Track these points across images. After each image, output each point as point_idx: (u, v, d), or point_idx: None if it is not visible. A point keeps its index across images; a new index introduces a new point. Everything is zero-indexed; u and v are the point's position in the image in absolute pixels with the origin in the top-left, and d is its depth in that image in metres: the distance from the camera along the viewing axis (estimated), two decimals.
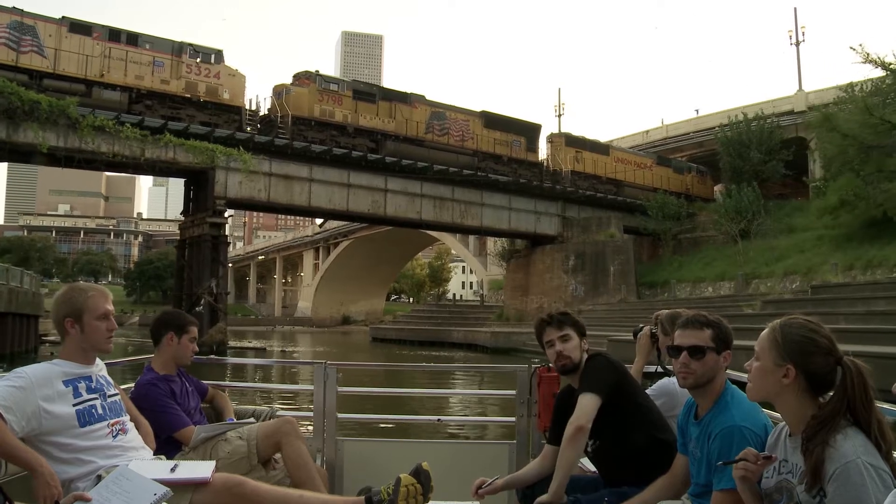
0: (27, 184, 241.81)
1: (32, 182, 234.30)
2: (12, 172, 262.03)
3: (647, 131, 62.21)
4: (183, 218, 33.68)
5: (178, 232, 34.65)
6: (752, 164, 45.66)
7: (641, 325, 3.84)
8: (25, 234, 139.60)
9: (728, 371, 2.56)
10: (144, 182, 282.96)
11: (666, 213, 45.16)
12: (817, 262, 31.38)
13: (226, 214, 31.68)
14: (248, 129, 32.34)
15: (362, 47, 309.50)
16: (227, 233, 32.25)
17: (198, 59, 30.62)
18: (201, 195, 31.28)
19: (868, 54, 27.81)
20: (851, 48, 28.06)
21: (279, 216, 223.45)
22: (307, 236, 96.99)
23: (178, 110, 30.00)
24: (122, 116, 27.95)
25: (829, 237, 33.59)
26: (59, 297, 2.81)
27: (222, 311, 31.13)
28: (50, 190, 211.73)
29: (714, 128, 52.93)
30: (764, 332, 2.08)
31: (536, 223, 44.14)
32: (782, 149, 46.04)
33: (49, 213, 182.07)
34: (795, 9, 52.71)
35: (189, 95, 30.30)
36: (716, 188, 53.00)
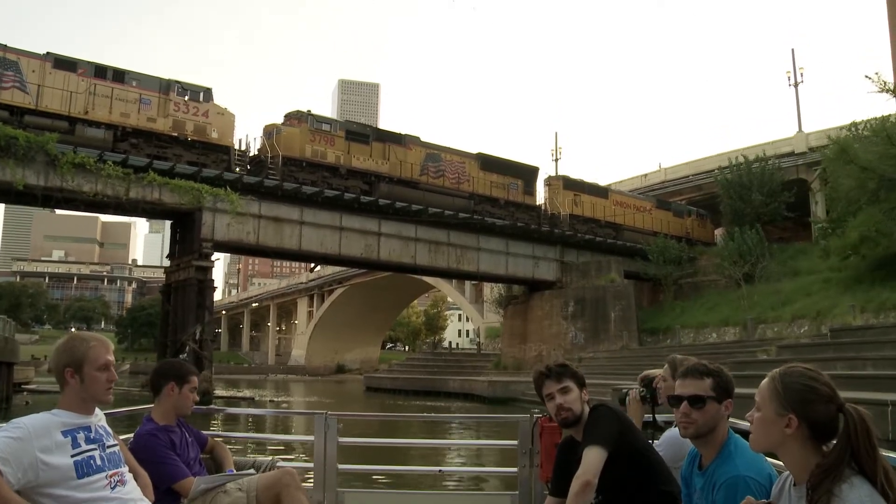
0: (22, 229, 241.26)
1: (27, 227, 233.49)
2: (8, 218, 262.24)
3: (646, 175, 61.55)
4: (169, 262, 32.47)
5: (164, 276, 33.45)
6: (753, 206, 44.80)
7: (626, 390, 3.77)
8: (18, 279, 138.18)
9: (731, 420, 2.60)
10: (140, 228, 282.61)
11: (667, 257, 44.17)
12: (826, 305, 30.30)
13: (213, 258, 30.49)
14: (238, 169, 31.33)
15: (359, 95, 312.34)
16: (214, 277, 30.96)
17: (186, 97, 29.75)
18: (188, 237, 30.16)
19: (885, 83, 27.03)
20: (867, 77, 27.31)
21: (274, 263, 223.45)
22: (301, 283, 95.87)
23: (164, 149, 29.06)
24: (104, 154, 26.92)
25: (837, 280, 32.56)
26: (59, 346, 2.81)
27: (208, 359, 29.78)
28: (45, 236, 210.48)
29: (713, 170, 52.24)
30: (763, 381, 2.06)
31: (534, 268, 43.02)
32: (784, 191, 45.26)
33: (43, 258, 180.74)
34: (793, 50, 52.69)
35: (176, 134, 29.38)
36: (716, 232, 52.17)
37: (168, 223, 33.75)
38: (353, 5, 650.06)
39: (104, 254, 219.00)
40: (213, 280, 30.30)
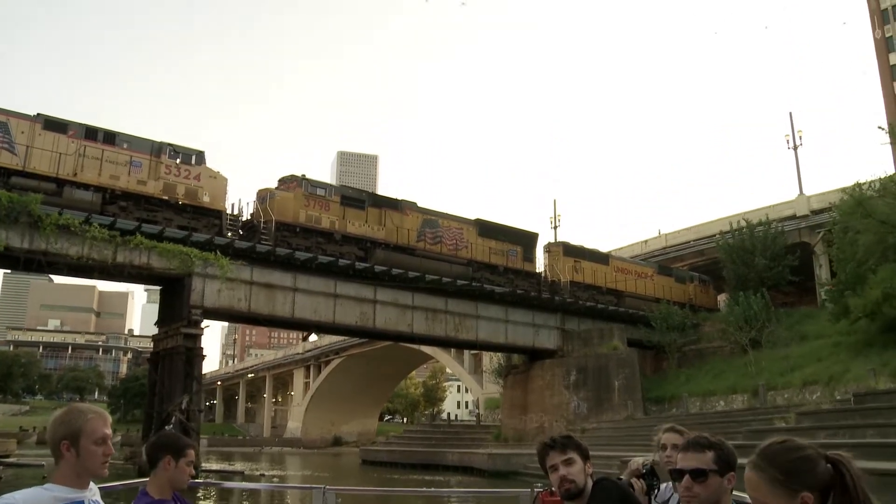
0: (19, 298, 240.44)
1: (24, 296, 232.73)
2: (6, 286, 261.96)
3: (646, 241, 61.10)
4: (157, 329, 31.40)
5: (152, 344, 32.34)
6: (756, 270, 44.08)
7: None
8: (11, 349, 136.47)
9: (735, 493, 2.54)
10: (138, 298, 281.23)
11: (670, 323, 43.19)
12: (838, 370, 29.39)
13: (203, 325, 29.34)
14: (230, 234, 30.56)
15: (357, 167, 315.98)
16: (203, 345, 29.84)
17: (177, 160, 29.18)
18: (177, 304, 29.18)
19: None
20: (879, 128, 26.87)
21: (272, 334, 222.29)
22: (298, 354, 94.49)
23: (154, 213, 28.33)
24: (92, 217, 26.16)
25: (847, 344, 31.72)
26: (56, 418, 2.76)
27: (195, 430, 28.44)
28: (41, 305, 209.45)
29: (715, 235, 51.92)
30: (750, 475, 1.95)
31: (535, 336, 41.94)
32: (787, 254, 44.61)
33: (38, 328, 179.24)
34: (791, 113, 52.64)
35: (167, 197, 28.70)
36: (719, 297, 51.27)
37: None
38: (353, 77, 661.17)
39: (100, 323, 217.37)
40: (202, 348, 29.18)
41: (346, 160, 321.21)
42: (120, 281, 30.64)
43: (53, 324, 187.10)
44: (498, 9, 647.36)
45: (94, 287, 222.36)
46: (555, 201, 68.41)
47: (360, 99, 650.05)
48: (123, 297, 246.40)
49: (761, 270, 44.05)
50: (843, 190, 39.43)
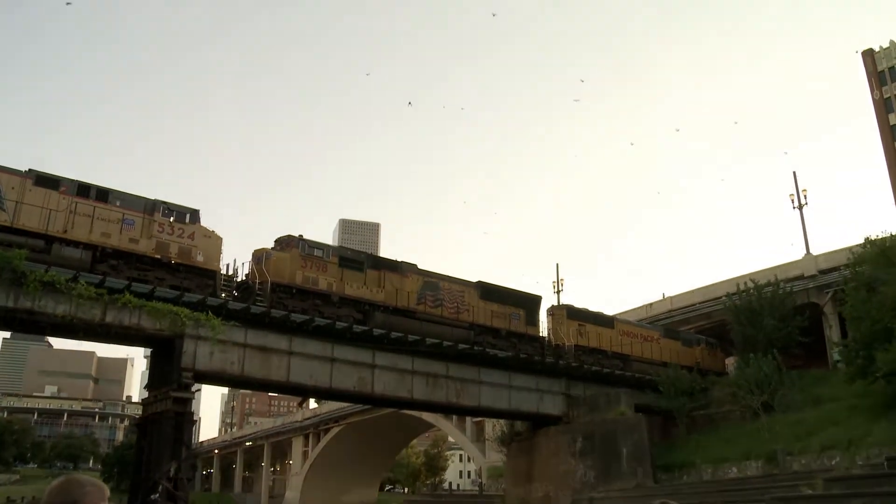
0: (17, 364, 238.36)
1: (22, 362, 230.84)
2: (4, 352, 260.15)
3: (651, 304, 60.25)
4: (147, 393, 30.22)
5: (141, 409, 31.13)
6: (765, 331, 43.05)
7: None
8: (6, 415, 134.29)
9: None
10: (138, 365, 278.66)
11: (678, 388, 41.97)
12: (858, 434, 28.28)
13: (194, 388, 28.16)
14: (223, 295, 29.65)
15: (359, 235, 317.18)
16: (194, 410, 28.69)
17: (171, 219, 28.46)
18: (167, 367, 28.04)
19: None
20: None
21: (272, 402, 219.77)
22: (296, 422, 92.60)
23: (146, 272, 27.47)
24: (80, 275, 25.30)
25: (864, 407, 30.58)
26: (52, 489, 2.76)
27: (183, 500, 27.03)
28: (38, 371, 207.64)
29: (721, 297, 51.04)
30: None
31: (539, 402, 40.63)
32: (796, 315, 43.64)
33: (35, 394, 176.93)
34: (795, 173, 52.36)
35: (159, 256, 27.85)
36: (727, 361, 50.12)
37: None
38: (356, 148, 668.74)
39: (98, 390, 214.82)
40: (192, 413, 27.95)
41: (348, 228, 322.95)
42: (108, 342, 29.64)
43: (50, 390, 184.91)
44: (497, 80, 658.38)
45: (93, 353, 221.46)
46: (557, 265, 68.40)
47: (363, 167, 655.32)
48: (122, 363, 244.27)
49: (770, 332, 43.07)
50: (851, 249, 38.83)
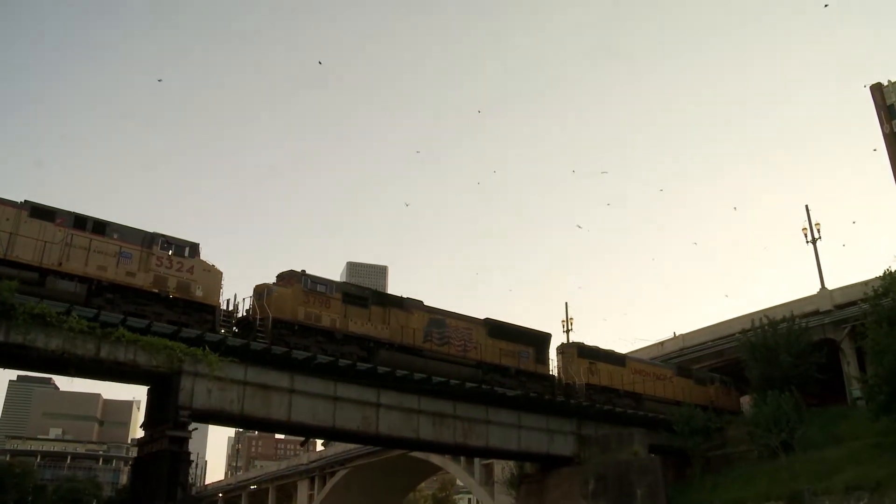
0: (22, 406, 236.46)
1: (28, 404, 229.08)
2: (10, 394, 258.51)
3: (662, 343, 59.09)
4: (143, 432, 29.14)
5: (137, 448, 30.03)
6: (781, 368, 41.83)
7: None
8: (8, 458, 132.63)
9: None
10: (144, 408, 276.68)
11: (693, 427, 40.69)
12: (885, 474, 27.36)
13: (190, 428, 27.03)
14: (223, 331, 28.77)
15: (367, 277, 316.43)
16: (197, 452, 27.69)
17: (170, 252, 27.74)
18: (164, 404, 27.08)
19: None
20: None
21: (278, 445, 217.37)
22: (301, 465, 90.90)
23: (143, 306, 26.67)
24: (74, 308, 24.49)
25: (889, 444, 29.34)
26: None
27: None
28: (43, 413, 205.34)
29: (734, 335, 49.92)
30: None
31: (549, 443, 39.40)
32: (813, 351, 42.48)
33: (39, 437, 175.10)
34: (807, 206, 51.36)
35: (157, 290, 27.08)
36: (742, 399, 48.80)
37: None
38: (365, 192, 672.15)
39: (104, 432, 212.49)
40: (188, 453, 26.83)
41: (356, 271, 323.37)
42: (103, 379, 28.69)
43: (55, 433, 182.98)
44: (506, 116, 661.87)
45: (98, 395, 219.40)
46: (566, 304, 66.84)
47: (372, 212, 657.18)
48: (128, 405, 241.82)
49: (787, 368, 41.88)
50: (868, 283, 37.81)
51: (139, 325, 25.89)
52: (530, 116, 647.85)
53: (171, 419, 26.19)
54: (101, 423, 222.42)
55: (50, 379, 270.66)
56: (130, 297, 26.61)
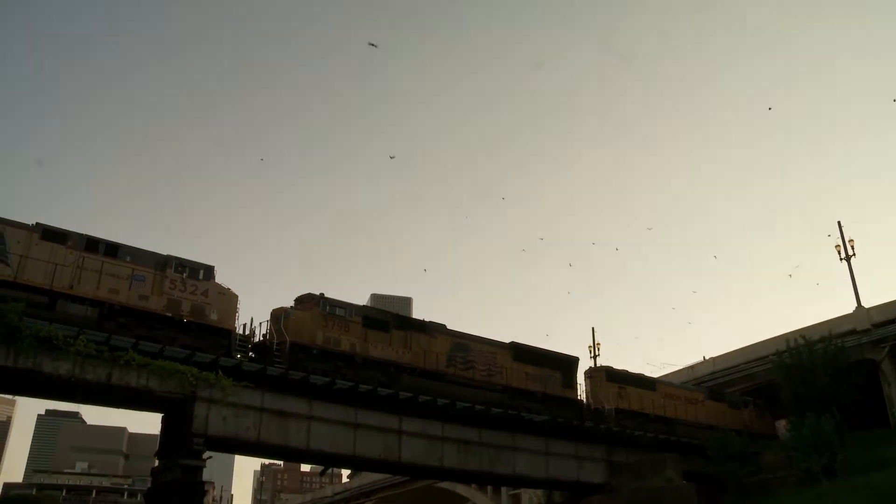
0: (49, 440, 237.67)
1: (55, 438, 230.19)
2: (38, 428, 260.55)
3: (692, 366, 57.49)
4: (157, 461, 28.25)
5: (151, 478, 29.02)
6: (818, 390, 40.14)
7: None
8: (34, 492, 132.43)
9: None
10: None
11: (728, 452, 39.08)
12: None
13: (205, 456, 26.09)
14: (238, 356, 27.92)
15: (391, 309, 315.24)
16: (205, 479, 26.57)
17: (184, 275, 27.02)
18: (178, 432, 26.18)
19: None
20: None
21: (303, 479, 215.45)
22: (326, 497, 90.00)
23: (156, 330, 25.91)
24: (84, 332, 23.76)
25: None
26: None
27: None
28: (70, 447, 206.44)
29: (766, 356, 48.24)
30: None
31: (579, 470, 38.00)
32: (851, 372, 40.79)
33: (65, 470, 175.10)
34: (840, 223, 49.74)
35: (170, 314, 26.35)
36: (777, 423, 47.07)
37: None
38: (389, 225, 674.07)
39: (129, 466, 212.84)
40: (202, 483, 25.89)
41: (380, 302, 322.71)
42: (115, 406, 27.83)
43: (81, 466, 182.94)
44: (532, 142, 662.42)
45: (124, 429, 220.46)
46: (593, 329, 65.46)
47: (395, 243, 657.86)
48: (153, 439, 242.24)
49: (824, 390, 40.18)
50: None
51: (152, 350, 25.12)
52: (552, 142, 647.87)
53: (185, 447, 25.30)
54: (127, 457, 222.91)
55: (77, 413, 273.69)
56: (143, 321, 25.91)
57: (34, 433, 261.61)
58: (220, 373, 25.99)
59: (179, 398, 25.63)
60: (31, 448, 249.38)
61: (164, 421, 28.05)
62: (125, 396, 25.42)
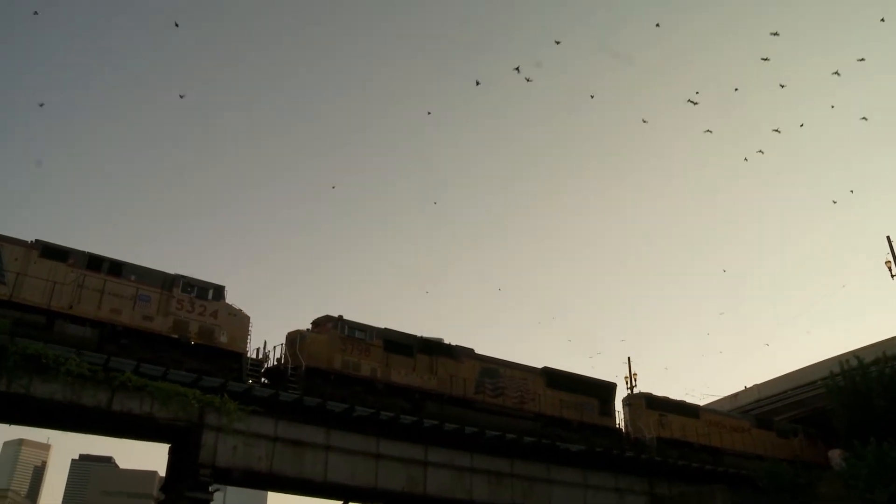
0: (82, 485, 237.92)
1: (87, 483, 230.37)
2: (72, 472, 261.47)
3: (736, 395, 54.88)
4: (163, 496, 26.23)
5: None
6: (875, 415, 37.26)
7: None
8: None
9: None
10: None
11: (780, 483, 36.23)
12: None
13: (212, 489, 24.08)
14: (250, 381, 26.06)
15: None
16: None
17: (192, 295, 25.36)
18: (184, 464, 24.23)
19: None
20: None
21: None
22: None
23: (161, 353, 24.19)
24: (83, 354, 22.10)
25: None
26: None
27: None
28: (101, 491, 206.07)
29: (815, 381, 45.47)
30: None
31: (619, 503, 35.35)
32: None
33: None
34: (889, 238, 46.96)
35: (177, 336, 24.65)
36: (831, 453, 44.01)
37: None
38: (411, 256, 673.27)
39: None
40: None
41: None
42: (114, 435, 26.11)
43: None
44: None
45: (154, 473, 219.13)
46: (629, 359, 62.80)
47: (422, 280, 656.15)
48: None
49: (882, 415, 37.30)
50: None
51: (154, 373, 23.38)
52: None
53: (191, 479, 23.34)
54: (158, 500, 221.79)
55: (110, 458, 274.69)
56: (148, 344, 24.26)
57: (68, 477, 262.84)
58: (226, 395, 24.07)
59: (185, 426, 23.77)
60: (65, 492, 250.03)
61: (170, 452, 26.15)
62: (127, 424, 23.64)
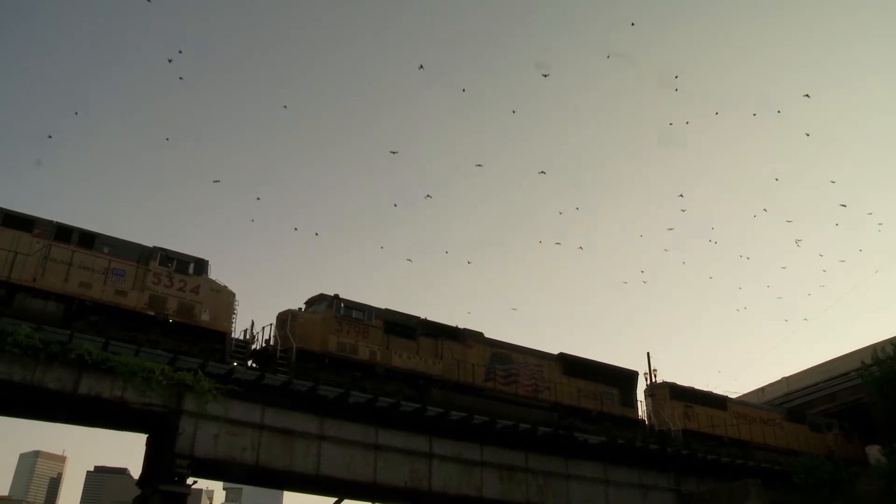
0: (96, 496, 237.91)
1: (101, 494, 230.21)
2: (87, 486, 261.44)
3: (763, 388, 52.07)
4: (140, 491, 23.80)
5: None
6: None
7: None
8: None
9: None
10: (218, 497, 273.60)
11: (818, 479, 33.51)
12: None
13: (189, 481, 21.74)
14: (235, 363, 23.68)
15: None
16: None
17: (171, 268, 23.08)
18: (160, 455, 21.83)
19: None
20: None
21: None
22: None
23: (135, 332, 21.88)
24: (42, 328, 19.83)
25: None
26: None
27: None
28: (115, 502, 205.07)
29: (849, 373, 42.68)
30: None
31: (643, 500, 32.64)
32: None
33: None
34: None
35: (153, 313, 22.30)
36: (868, 448, 41.15)
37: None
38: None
39: None
40: None
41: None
42: (82, 424, 23.75)
43: None
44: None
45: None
46: (648, 354, 60.18)
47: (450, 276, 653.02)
48: (197, 494, 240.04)
49: None
50: None
51: (126, 353, 21.01)
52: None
53: (166, 470, 20.93)
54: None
55: (125, 469, 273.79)
56: (120, 321, 21.93)
57: (83, 489, 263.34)
58: (200, 373, 21.65)
59: (161, 411, 21.39)
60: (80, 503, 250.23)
61: (147, 443, 23.74)
62: (96, 410, 21.30)
